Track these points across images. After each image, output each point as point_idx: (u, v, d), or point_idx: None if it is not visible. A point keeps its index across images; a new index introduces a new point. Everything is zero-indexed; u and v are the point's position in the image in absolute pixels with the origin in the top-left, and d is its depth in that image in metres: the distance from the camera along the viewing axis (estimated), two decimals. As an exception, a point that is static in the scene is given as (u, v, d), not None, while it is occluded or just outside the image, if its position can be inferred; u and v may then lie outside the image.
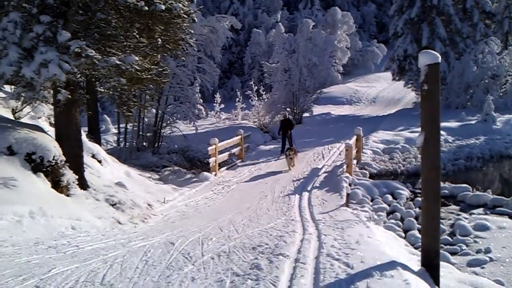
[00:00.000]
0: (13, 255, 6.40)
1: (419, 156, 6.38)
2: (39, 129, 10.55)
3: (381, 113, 32.94)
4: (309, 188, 12.69)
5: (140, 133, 20.66)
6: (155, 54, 12.13)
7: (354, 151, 15.25)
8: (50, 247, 7.02)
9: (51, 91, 10.48)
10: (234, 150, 18.88)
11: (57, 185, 9.41)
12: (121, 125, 21.34)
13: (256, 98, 30.32)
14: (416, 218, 10.25)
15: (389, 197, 12.22)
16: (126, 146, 20.36)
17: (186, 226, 8.25)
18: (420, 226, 8.74)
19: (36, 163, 9.24)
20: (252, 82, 31.66)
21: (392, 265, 5.12)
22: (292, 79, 29.54)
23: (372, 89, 45.25)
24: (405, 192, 12.68)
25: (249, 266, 5.53)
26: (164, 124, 21.49)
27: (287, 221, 8.63)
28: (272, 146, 22.47)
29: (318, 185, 13.16)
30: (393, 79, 37.08)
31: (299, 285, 4.74)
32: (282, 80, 29.76)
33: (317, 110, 33.20)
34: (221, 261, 5.95)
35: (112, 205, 10.27)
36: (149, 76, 11.73)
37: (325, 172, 15.06)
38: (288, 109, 29.18)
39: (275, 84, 30.50)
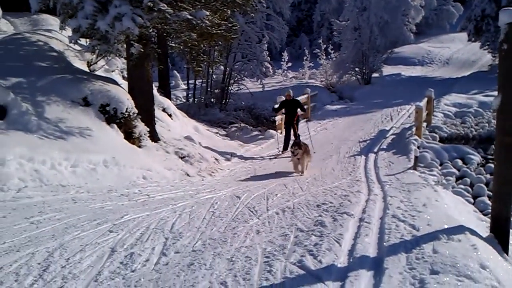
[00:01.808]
0: (88, 200, 6.75)
1: (493, 120, 6.10)
2: (113, 81, 10.89)
3: (454, 75, 31.54)
4: (375, 150, 12.47)
5: (208, 89, 20.92)
6: (225, 9, 12.12)
7: (424, 114, 14.78)
8: (122, 195, 7.35)
9: (124, 45, 10.74)
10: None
11: (130, 136, 9.75)
12: (190, 81, 21.65)
13: (324, 57, 29.82)
14: (487, 184, 9.88)
15: (459, 162, 11.81)
16: (195, 101, 20.69)
17: (251, 181, 8.35)
18: (490, 193, 8.44)
19: (110, 115, 9.59)
20: (320, 41, 31.04)
21: (460, 229, 4.99)
22: (362, 38, 28.74)
23: (446, 50, 43.22)
24: (476, 158, 12.21)
25: (313, 222, 5.55)
26: (232, 81, 21.63)
27: (352, 181, 8.55)
28: (339, 106, 22.20)
29: (385, 147, 12.91)
30: (469, 40, 35.14)
31: (363, 243, 4.71)
32: (351, 39, 29.03)
33: (387, 70, 32.19)
34: (285, 216, 6.00)
35: (181, 158, 10.55)
36: (218, 32, 11.77)
37: (392, 134, 14.73)
38: (357, 68, 28.51)
39: (344, 43, 29.80)
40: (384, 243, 4.71)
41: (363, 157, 11.55)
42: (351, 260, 4.27)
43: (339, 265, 4.13)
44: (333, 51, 30.02)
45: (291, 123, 13.52)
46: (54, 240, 4.74)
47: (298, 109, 13.55)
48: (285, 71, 31.65)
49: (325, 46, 29.76)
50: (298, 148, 10.24)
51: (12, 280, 3.75)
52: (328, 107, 22.44)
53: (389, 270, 3.91)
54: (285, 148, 13.28)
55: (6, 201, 6.19)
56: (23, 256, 4.24)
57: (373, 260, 4.29)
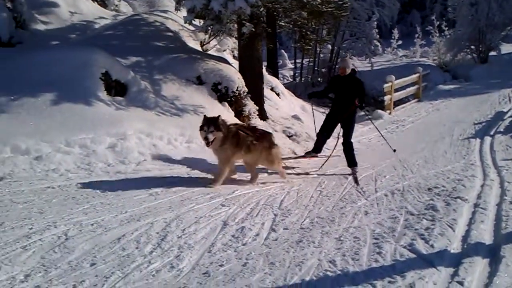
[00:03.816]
0: (202, 175, 7.05)
1: None
2: (225, 61, 11.20)
3: None
4: (491, 133, 11.76)
5: (316, 68, 20.82)
6: (336, -13, 11.98)
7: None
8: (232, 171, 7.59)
9: (236, 25, 10.97)
10: (411, 89, 18.14)
11: (240, 114, 10.03)
12: (297, 60, 21.68)
13: (437, 34, 28.47)
14: None
15: None
16: (302, 80, 20.72)
17: (359, 162, 8.26)
18: None
19: (222, 93, 9.92)
20: (433, 17, 29.62)
21: None
22: (479, 14, 26.98)
23: None
24: None
25: (424, 206, 5.40)
26: (339, 60, 21.35)
27: (466, 165, 8.16)
28: (452, 86, 21.17)
29: (502, 130, 12.13)
30: None
31: (478, 230, 4.52)
32: (467, 15, 27.38)
33: (506, 48, 30.00)
34: (394, 198, 5.89)
35: (289, 136, 10.66)
36: (328, 10, 11.66)
37: (510, 117, 13.82)
38: (472, 46, 26.90)
39: (459, 19, 28.20)
40: (501, 231, 4.50)
41: (478, 140, 10.95)
42: (465, 246, 4.12)
43: (452, 251, 4.01)
44: (446, 28, 28.55)
45: (338, 114, 8.49)
46: (171, 212, 5.02)
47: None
48: (395, 49, 30.69)
49: (438, 23, 28.37)
50: (217, 130, 6.33)
51: (133, 247, 4.01)
52: (441, 87, 21.48)
53: (506, 258, 3.74)
54: (315, 148, 8.97)
55: (127, 173, 6.62)
56: (142, 225, 4.52)
57: (488, 247, 4.12)
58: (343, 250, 4.05)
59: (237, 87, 10.05)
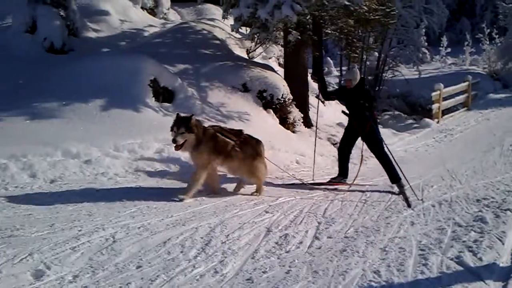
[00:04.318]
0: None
1: None
2: (270, 68, 11.27)
3: None
4: (545, 143, 11.41)
5: (361, 76, 20.63)
6: (384, -6, 11.87)
7: None
8: (277, 177, 7.62)
9: (282, 32, 11.03)
10: (460, 97, 17.73)
11: (284, 121, 10.07)
12: (343, 68, 21.52)
13: (488, 42, 27.71)
14: None
15: None
16: (347, 88, 20.54)
17: (405, 171, 8.12)
18: None
19: (267, 100, 10.00)
20: (484, 25, 28.83)
21: None
22: (532, 21, 26.18)
23: None
24: None
25: (473, 218, 5.29)
26: (386, 68, 21.08)
27: (517, 176, 7.95)
28: (503, 95, 20.57)
29: (557, 139, 11.75)
30: None
31: (530, 244, 4.40)
32: (519, 22, 26.57)
33: None
34: (442, 209, 5.79)
35: (333, 144, 10.61)
36: (376, 17, 11.58)
37: None
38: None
39: (510, 27, 27.35)
40: (556, 246, 4.36)
41: (530, 151, 10.63)
42: (515, 260, 4.02)
43: (501, 264, 3.92)
44: (497, 36, 27.74)
45: (356, 129, 7.49)
46: (215, 217, 5.08)
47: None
48: (444, 57, 30.03)
49: (488, 30, 27.61)
50: (188, 132, 5.68)
51: (178, 251, 4.07)
52: (491, 96, 20.91)
53: (558, 273, 3.62)
54: (342, 174, 7.67)
55: (173, 178, 6.75)
56: (188, 230, 4.59)
57: (539, 262, 4.00)
58: (388, 260, 4.00)
59: (282, 95, 10.11)
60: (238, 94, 9.93)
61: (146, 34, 12.81)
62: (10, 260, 3.60)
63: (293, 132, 10.19)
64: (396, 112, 17.08)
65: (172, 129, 5.72)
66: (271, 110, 9.94)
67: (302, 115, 10.64)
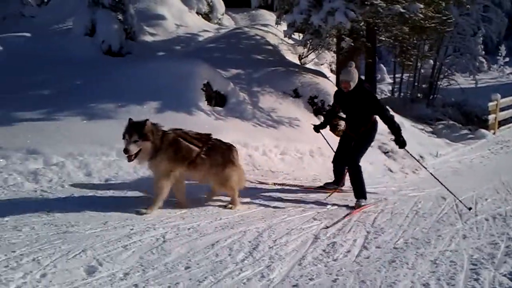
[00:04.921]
0: (295, 187, 7.09)
1: None
2: (322, 74, 11.25)
3: None
4: None
5: (416, 84, 20.23)
6: (440, 2, 11.61)
7: None
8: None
9: (335, 39, 10.98)
10: (519, 108, 17.13)
11: (335, 128, 9.98)
12: (396, 75, 21.19)
13: (550, 52, 26.74)
14: None
15: None
16: (401, 96, 20.21)
17: (458, 183, 7.94)
18: None
19: (318, 106, 9.99)
20: (547, 33, 27.86)
21: None
22: None
23: None
24: None
25: (529, 233, 5.12)
26: (441, 76, 20.59)
27: None
28: None
29: None
30: None
31: None
32: None
33: None
34: (496, 223, 5.61)
35: (385, 152, 10.44)
36: (432, 25, 11.37)
37: None
38: None
39: None
40: None
41: None
42: None
43: (558, 284, 3.77)
44: (561, 45, 26.73)
45: (351, 137, 6.72)
46: (263, 221, 5.11)
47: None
48: (502, 67, 29.11)
49: (551, 39, 26.62)
50: (143, 139, 4.99)
51: (226, 254, 4.12)
52: (553, 108, 20.09)
53: None
54: (336, 181, 7.01)
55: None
56: (236, 233, 4.63)
57: None
58: (438, 273, 3.92)
59: (334, 101, 10.06)
60: (289, 100, 9.96)
61: (200, 38, 13.04)
62: (64, 255, 3.73)
63: (343, 139, 10.11)
64: (451, 122, 16.62)
65: (124, 137, 5.05)
66: (322, 117, 9.90)
67: (355, 123, 10.54)
